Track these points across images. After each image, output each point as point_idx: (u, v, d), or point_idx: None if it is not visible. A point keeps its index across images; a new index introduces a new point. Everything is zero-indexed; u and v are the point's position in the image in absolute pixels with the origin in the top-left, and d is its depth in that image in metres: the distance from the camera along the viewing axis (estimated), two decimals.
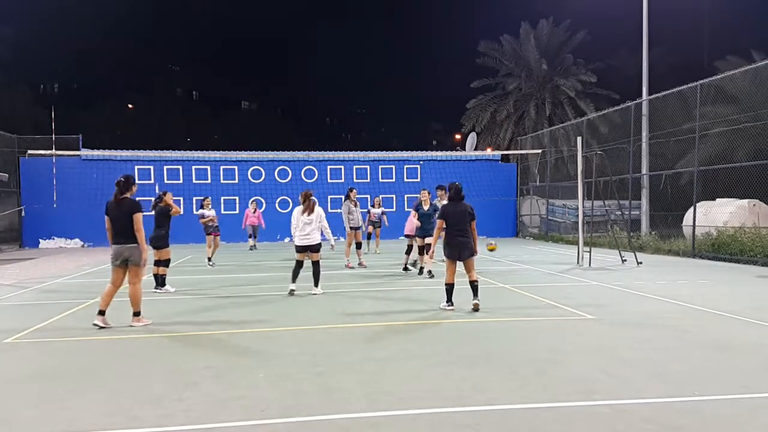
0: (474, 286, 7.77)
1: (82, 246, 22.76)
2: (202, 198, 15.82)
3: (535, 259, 15.12)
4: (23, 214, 22.50)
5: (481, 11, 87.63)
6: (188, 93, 70.07)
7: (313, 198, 9.33)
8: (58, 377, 4.97)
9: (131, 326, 6.94)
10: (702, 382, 4.62)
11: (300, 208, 9.22)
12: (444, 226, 7.89)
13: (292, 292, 9.16)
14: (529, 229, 25.55)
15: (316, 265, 9.27)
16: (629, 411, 3.98)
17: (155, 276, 9.98)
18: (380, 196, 19.32)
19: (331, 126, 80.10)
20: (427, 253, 11.16)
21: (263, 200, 23.15)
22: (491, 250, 13.15)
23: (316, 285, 9.31)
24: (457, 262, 7.87)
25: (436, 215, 8.09)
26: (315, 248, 9.18)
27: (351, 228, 13.42)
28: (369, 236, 17.41)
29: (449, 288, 7.84)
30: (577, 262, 13.69)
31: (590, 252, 13.57)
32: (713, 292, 9.31)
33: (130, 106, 55.69)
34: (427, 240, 10.89)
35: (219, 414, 4.02)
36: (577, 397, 4.26)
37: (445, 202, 8.54)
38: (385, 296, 9.20)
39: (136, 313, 7.06)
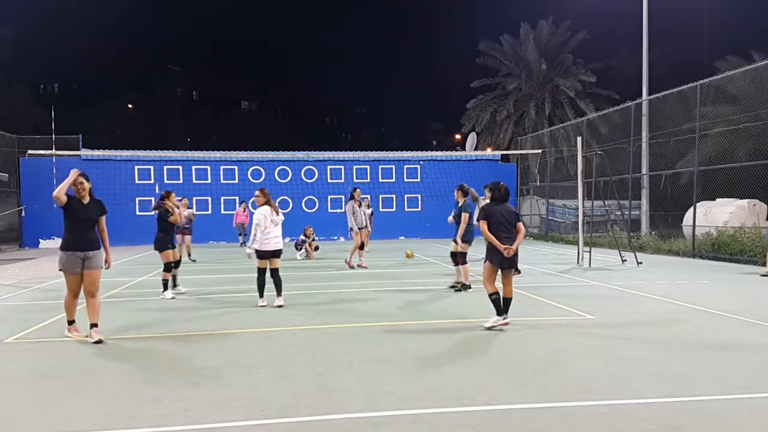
0: (508, 303, 6.77)
1: None
2: (179, 198, 15.82)
3: (535, 259, 15.12)
4: (23, 214, 22.49)
5: (481, 11, 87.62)
6: (188, 93, 70.04)
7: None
8: (58, 377, 4.97)
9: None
10: (702, 382, 4.62)
11: (268, 208, 8.28)
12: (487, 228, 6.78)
13: (264, 307, 8.16)
14: (529, 229, 25.55)
15: (276, 273, 8.37)
16: (629, 411, 3.98)
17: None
18: (369, 198, 19.26)
19: (331, 126, 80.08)
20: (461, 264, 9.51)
21: None
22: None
23: (279, 294, 8.33)
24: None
25: (476, 216, 6.78)
26: (278, 254, 8.37)
27: (355, 228, 13.32)
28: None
29: (497, 298, 6.67)
30: (577, 262, 13.69)
31: (590, 252, 13.57)
32: (713, 292, 9.31)
33: (130, 106, 55.67)
34: (462, 247, 9.48)
35: (219, 414, 4.01)
36: (577, 397, 4.26)
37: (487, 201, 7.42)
38: (385, 296, 9.18)
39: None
